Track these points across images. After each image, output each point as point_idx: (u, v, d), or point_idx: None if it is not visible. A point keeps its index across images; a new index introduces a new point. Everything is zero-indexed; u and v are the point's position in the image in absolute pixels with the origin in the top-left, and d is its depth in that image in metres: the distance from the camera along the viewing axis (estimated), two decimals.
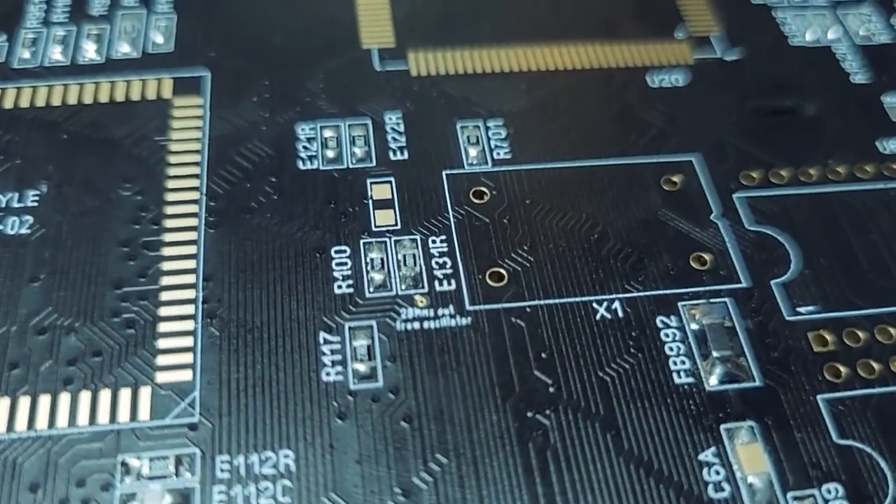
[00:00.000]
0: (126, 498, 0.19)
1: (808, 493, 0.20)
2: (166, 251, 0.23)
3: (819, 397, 0.21)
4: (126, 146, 0.25)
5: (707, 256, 0.24)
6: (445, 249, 0.23)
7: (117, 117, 0.26)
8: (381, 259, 0.23)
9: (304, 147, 0.26)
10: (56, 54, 0.28)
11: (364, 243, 0.23)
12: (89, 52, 0.28)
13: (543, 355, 0.22)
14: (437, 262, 0.23)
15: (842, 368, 0.22)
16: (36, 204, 0.24)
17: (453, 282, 0.23)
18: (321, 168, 0.25)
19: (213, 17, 0.29)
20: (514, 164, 0.25)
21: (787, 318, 0.23)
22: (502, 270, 0.23)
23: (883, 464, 0.20)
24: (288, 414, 0.20)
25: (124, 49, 0.28)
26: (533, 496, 0.19)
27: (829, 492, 0.20)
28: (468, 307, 0.22)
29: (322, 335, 0.22)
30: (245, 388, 0.21)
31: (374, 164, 0.25)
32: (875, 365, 0.22)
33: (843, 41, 0.30)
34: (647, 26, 0.30)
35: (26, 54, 0.28)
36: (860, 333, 0.22)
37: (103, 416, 0.20)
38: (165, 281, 0.23)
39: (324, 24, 0.30)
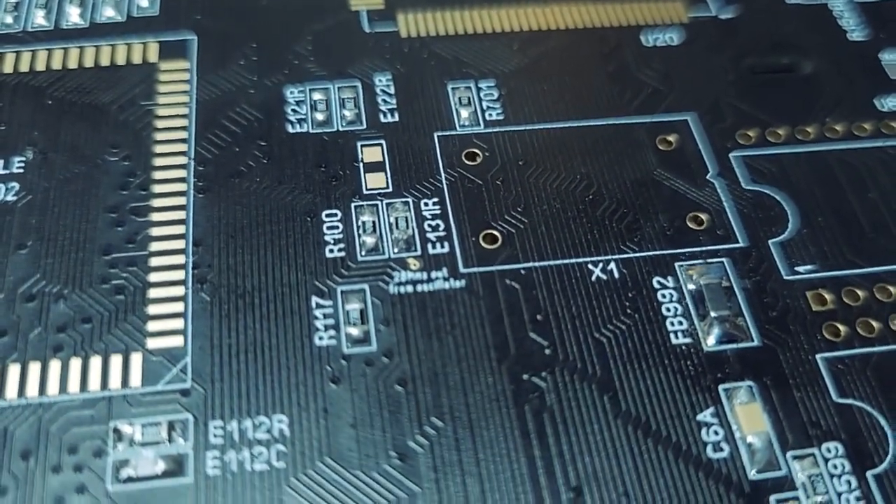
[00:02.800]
0: (119, 464, 0.19)
1: (808, 452, 0.20)
2: (155, 216, 0.23)
3: (818, 356, 0.21)
4: (112, 111, 0.25)
5: (704, 216, 0.23)
6: (438, 212, 0.23)
7: (103, 82, 0.26)
8: (373, 222, 0.23)
9: (293, 110, 0.25)
10: (39, 19, 0.27)
11: (355, 206, 0.23)
12: (73, 16, 0.27)
13: (539, 317, 0.21)
14: (429, 225, 0.23)
15: (841, 327, 0.22)
16: (21, 170, 0.23)
17: (447, 244, 0.22)
18: (311, 131, 0.25)
19: None
20: (506, 125, 0.25)
21: (786, 278, 0.22)
22: (496, 232, 0.23)
23: (883, 422, 0.20)
24: (281, 379, 0.20)
25: (108, 13, 0.27)
26: (530, 458, 0.19)
27: (829, 451, 0.20)
28: (462, 270, 0.22)
29: (314, 299, 0.21)
30: (237, 354, 0.21)
31: (364, 126, 0.25)
32: (874, 323, 0.22)
33: None
34: None
35: (9, 19, 0.27)
36: (859, 292, 0.22)
37: (94, 382, 0.20)
38: (154, 247, 0.22)
39: None
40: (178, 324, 0.21)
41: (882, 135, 0.26)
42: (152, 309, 0.21)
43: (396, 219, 0.23)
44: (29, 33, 0.27)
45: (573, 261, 0.22)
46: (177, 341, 0.21)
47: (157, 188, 0.23)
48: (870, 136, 0.26)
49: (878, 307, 0.22)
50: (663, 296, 0.22)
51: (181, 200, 0.23)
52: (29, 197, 0.23)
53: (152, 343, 0.21)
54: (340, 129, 0.25)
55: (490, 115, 0.25)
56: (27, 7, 0.27)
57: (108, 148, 0.24)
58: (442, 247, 0.22)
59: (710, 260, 0.22)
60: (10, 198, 0.23)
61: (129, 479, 0.19)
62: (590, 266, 0.22)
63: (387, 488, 0.19)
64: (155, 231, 0.22)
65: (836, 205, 0.24)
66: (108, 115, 0.25)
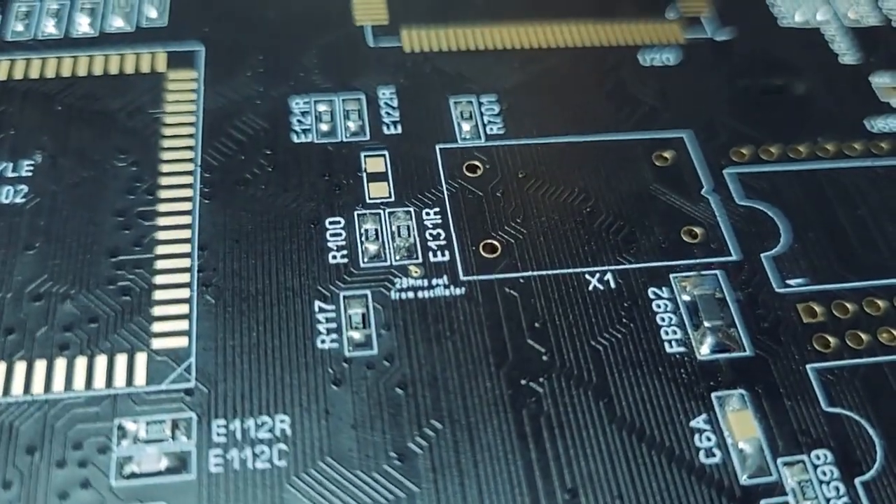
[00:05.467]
0: (123, 461, 0.19)
1: (798, 459, 0.20)
2: (161, 221, 0.23)
3: (808, 366, 0.22)
4: (120, 118, 0.25)
5: (698, 230, 0.24)
6: (439, 221, 0.24)
7: (111, 90, 0.26)
8: (376, 230, 0.23)
9: (299, 121, 0.26)
10: (49, 27, 0.28)
11: (358, 214, 0.24)
12: (83, 25, 0.28)
13: (537, 325, 0.22)
14: (430, 234, 0.23)
15: (830, 339, 0.22)
16: (31, 174, 0.24)
17: (447, 253, 0.23)
18: (315, 141, 0.25)
19: None
20: (507, 139, 0.26)
21: (777, 290, 0.23)
22: (496, 242, 0.23)
23: (871, 431, 0.21)
24: (283, 380, 0.21)
25: (118, 23, 0.28)
26: (527, 462, 0.20)
27: (818, 458, 0.20)
28: (462, 277, 0.22)
29: (317, 304, 0.22)
30: (241, 355, 0.21)
31: (367, 137, 0.25)
32: (863, 336, 0.22)
33: (832, 23, 0.30)
34: (639, 6, 0.30)
35: (20, 27, 0.28)
36: (848, 305, 0.23)
37: (100, 381, 0.20)
38: (161, 250, 0.23)
39: (318, 0, 0.30)
40: (182, 325, 0.21)
41: (871, 154, 0.26)
42: (158, 310, 0.22)
43: (398, 227, 0.23)
44: (39, 41, 0.27)
45: (570, 271, 0.23)
46: (181, 342, 0.21)
47: (164, 193, 0.24)
48: (859, 156, 0.26)
49: (866, 320, 0.23)
50: (658, 306, 0.22)
51: (187, 206, 0.23)
52: (37, 199, 0.23)
53: (157, 343, 0.21)
54: (344, 139, 0.25)
55: (491, 129, 0.26)
56: (38, 16, 0.28)
57: (116, 153, 0.24)
58: (443, 255, 0.23)
59: (704, 272, 0.23)
60: (18, 200, 0.23)
61: (133, 475, 0.19)
62: (587, 276, 0.23)
63: (386, 488, 0.19)
64: (161, 235, 0.23)
65: (827, 221, 0.24)
66: (116, 122, 0.25)
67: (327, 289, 0.22)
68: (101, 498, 0.19)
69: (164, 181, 0.24)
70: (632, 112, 0.27)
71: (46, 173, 0.24)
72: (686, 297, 0.22)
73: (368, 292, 0.22)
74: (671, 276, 0.23)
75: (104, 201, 0.23)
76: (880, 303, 0.23)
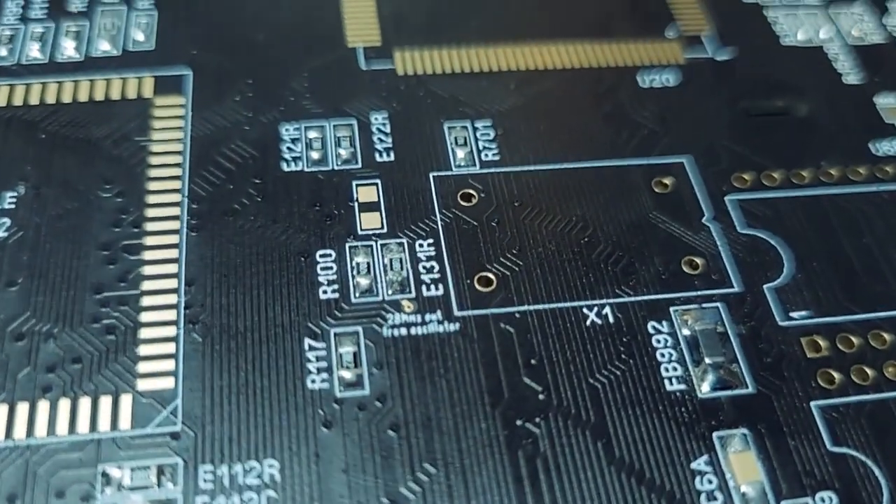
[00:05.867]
0: None
1: (802, 502, 0.20)
2: (147, 255, 0.23)
3: (813, 404, 0.21)
4: (106, 147, 0.25)
5: (699, 260, 0.23)
6: (433, 253, 0.23)
7: (97, 117, 0.25)
8: (368, 263, 0.23)
9: (289, 148, 0.25)
10: (34, 52, 0.27)
11: (350, 247, 0.23)
12: (68, 49, 0.27)
13: (533, 362, 0.21)
14: (424, 267, 0.23)
15: (835, 374, 0.22)
16: (13, 206, 0.23)
17: (441, 286, 0.22)
18: (306, 170, 0.25)
19: (195, 15, 0.29)
20: (502, 165, 0.25)
21: (780, 324, 0.22)
22: (491, 275, 0.23)
23: (877, 471, 0.20)
24: (272, 422, 0.20)
25: (104, 47, 0.27)
26: None
27: (822, 500, 0.20)
28: (456, 313, 0.22)
29: (307, 341, 0.21)
30: (228, 396, 0.20)
31: (359, 165, 0.25)
32: (869, 371, 0.22)
33: (835, 41, 0.30)
34: (637, 25, 0.30)
35: (3, 52, 0.27)
36: (853, 339, 0.22)
37: (83, 424, 0.20)
38: (147, 286, 0.22)
39: (308, 21, 0.29)
40: (169, 365, 0.21)
41: (876, 179, 0.26)
42: (143, 349, 0.21)
43: (391, 260, 0.23)
44: (23, 66, 0.27)
45: (568, 304, 0.22)
46: (168, 383, 0.21)
47: (150, 226, 0.23)
48: (864, 181, 0.26)
49: (872, 354, 0.22)
50: (658, 341, 0.22)
51: (174, 238, 0.23)
52: (20, 233, 0.23)
53: (143, 385, 0.20)
54: (336, 167, 0.25)
55: (486, 155, 0.25)
56: (22, 40, 0.27)
57: (102, 183, 0.24)
58: (437, 289, 0.22)
59: (704, 305, 0.22)
60: (1, 234, 0.23)
61: None
62: (584, 310, 0.22)
63: None
64: (147, 270, 0.22)
65: (831, 250, 0.24)
66: (101, 150, 0.25)
67: (318, 325, 0.21)
68: None
69: (150, 213, 0.23)
70: (630, 136, 0.26)
71: (29, 205, 0.23)
72: (686, 332, 0.22)
73: (360, 329, 0.21)
74: (671, 309, 0.22)
75: (89, 234, 0.23)
76: (886, 336, 0.22)
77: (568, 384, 0.21)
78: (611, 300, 0.22)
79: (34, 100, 0.26)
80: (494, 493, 0.19)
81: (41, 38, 0.27)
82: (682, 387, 0.21)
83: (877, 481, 0.20)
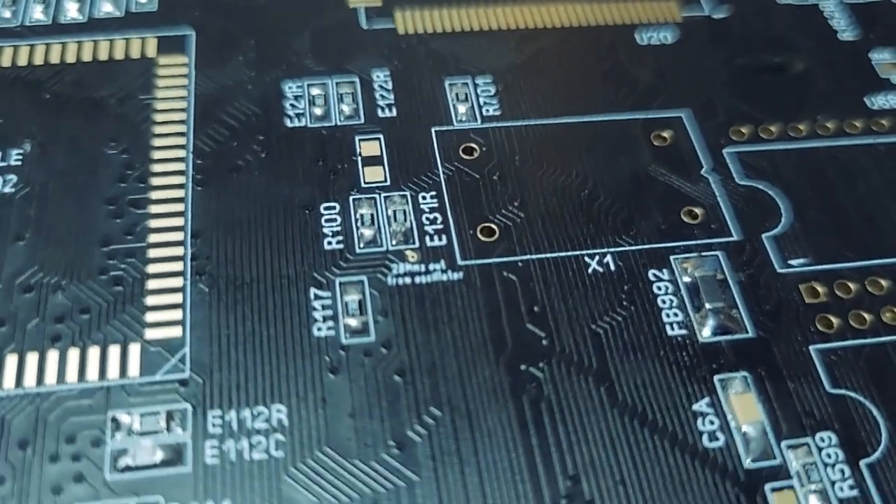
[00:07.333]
0: (117, 453, 0.19)
1: (802, 442, 0.20)
2: (153, 209, 0.23)
3: (811, 348, 0.21)
4: (111, 105, 0.25)
5: (698, 210, 0.24)
6: (436, 205, 0.23)
7: (101, 77, 0.26)
8: (371, 215, 0.23)
9: (292, 105, 0.25)
10: (37, 13, 0.27)
11: (353, 199, 0.23)
12: (71, 11, 0.27)
13: (536, 309, 0.21)
14: (427, 218, 0.23)
15: (833, 319, 0.22)
16: (20, 163, 0.23)
17: (444, 237, 0.23)
18: (309, 126, 0.25)
19: None
20: (503, 120, 0.25)
21: (779, 271, 0.23)
22: (493, 226, 0.23)
23: (875, 412, 0.20)
24: (279, 370, 0.20)
25: (107, 8, 0.27)
26: (527, 448, 0.19)
27: (822, 440, 0.20)
28: (460, 262, 0.22)
29: (312, 291, 0.21)
30: (236, 344, 0.21)
31: (362, 121, 0.25)
32: (866, 316, 0.22)
33: None
34: None
35: (7, 14, 0.27)
36: (851, 285, 0.22)
37: (92, 372, 0.20)
38: (153, 238, 0.22)
39: None
40: (176, 315, 0.21)
41: (872, 132, 0.26)
42: (151, 300, 0.21)
43: (394, 212, 0.23)
44: (27, 28, 0.27)
45: (569, 254, 0.23)
46: (175, 332, 0.21)
47: (156, 181, 0.23)
48: (860, 133, 0.26)
49: (869, 300, 0.22)
50: (659, 288, 0.22)
51: (180, 193, 0.23)
52: (27, 189, 0.23)
53: (151, 334, 0.21)
54: (339, 123, 0.25)
55: (487, 110, 0.26)
56: (25, 2, 0.28)
57: (107, 141, 0.24)
58: (440, 239, 0.23)
59: (704, 253, 0.23)
60: (7, 190, 0.23)
61: (128, 469, 0.19)
62: (586, 259, 0.22)
63: (385, 477, 0.19)
64: (153, 223, 0.22)
65: (828, 200, 0.24)
66: (106, 109, 0.25)
67: (323, 275, 0.22)
68: (96, 492, 0.18)
69: (155, 168, 0.24)
70: (629, 92, 0.26)
71: (36, 162, 0.24)
72: (687, 279, 0.22)
73: (365, 278, 0.22)
74: (671, 257, 0.23)
75: (95, 189, 0.23)
76: (883, 282, 0.23)
77: (570, 330, 0.21)
78: (612, 249, 0.23)
79: (38, 60, 0.26)
80: (500, 435, 0.20)
81: (44, 1, 0.28)
82: (683, 332, 0.21)
83: (875, 421, 0.20)
